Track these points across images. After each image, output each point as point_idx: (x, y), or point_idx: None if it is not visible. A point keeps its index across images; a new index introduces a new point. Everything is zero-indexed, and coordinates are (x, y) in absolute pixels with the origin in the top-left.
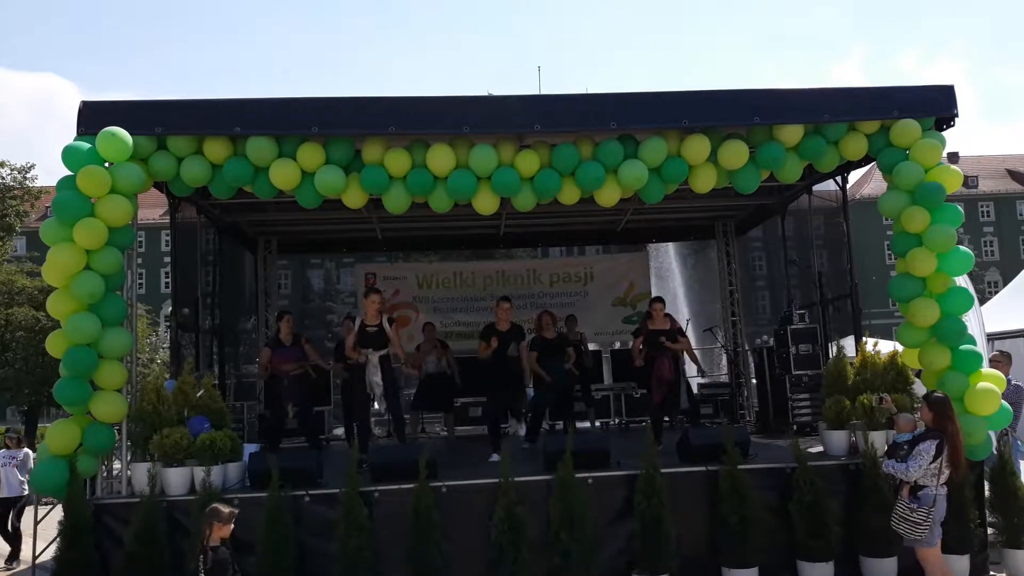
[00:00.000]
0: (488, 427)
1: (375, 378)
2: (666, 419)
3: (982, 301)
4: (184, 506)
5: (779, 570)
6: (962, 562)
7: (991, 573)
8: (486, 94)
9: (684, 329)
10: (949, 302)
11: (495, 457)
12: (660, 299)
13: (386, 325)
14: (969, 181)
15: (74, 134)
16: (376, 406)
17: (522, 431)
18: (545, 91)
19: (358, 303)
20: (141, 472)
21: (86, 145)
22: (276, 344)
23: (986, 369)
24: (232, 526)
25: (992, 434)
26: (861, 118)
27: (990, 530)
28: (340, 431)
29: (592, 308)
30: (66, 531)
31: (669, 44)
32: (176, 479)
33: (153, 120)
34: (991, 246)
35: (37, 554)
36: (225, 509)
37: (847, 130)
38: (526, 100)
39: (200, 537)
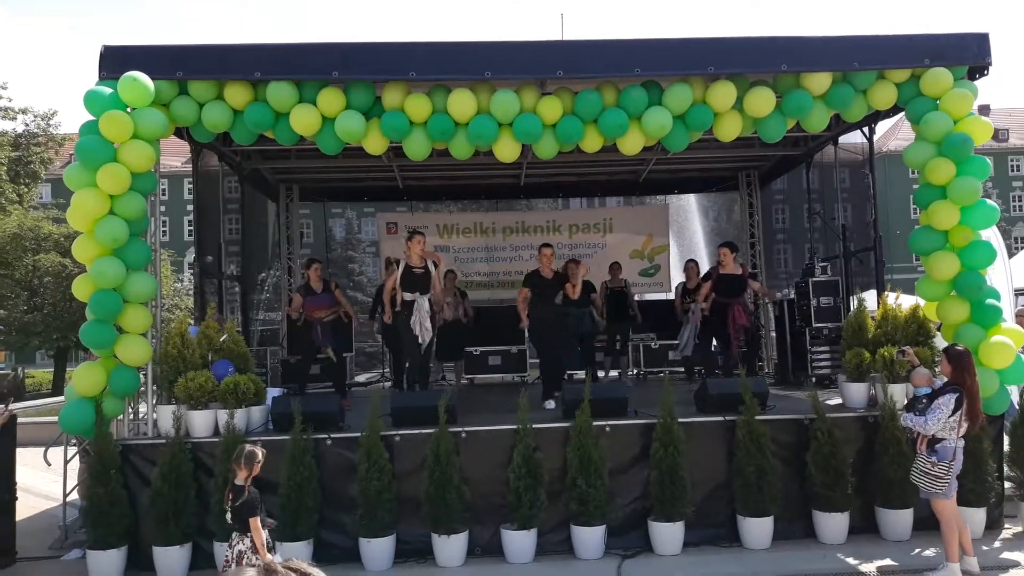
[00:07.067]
0: (544, 375)
1: (427, 323)
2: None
3: (1010, 256)
4: (208, 448)
5: (794, 520)
6: (978, 515)
7: (1006, 526)
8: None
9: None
10: (970, 256)
11: (550, 404)
12: (730, 244)
13: (431, 267)
14: (1000, 134)
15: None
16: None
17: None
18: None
19: (379, 252)
20: (166, 414)
21: (108, 90)
22: (308, 291)
23: (1005, 324)
24: (257, 471)
25: (1014, 389)
26: (891, 66)
27: (1008, 484)
28: (362, 378)
29: (610, 259)
30: (94, 470)
31: None
32: (200, 422)
33: (174, 65)
34: (1020, 201)
35: (68, 492)
36: (258, 452)
37: (876, 78)
38: (549, 45)
39: (229, 476)
